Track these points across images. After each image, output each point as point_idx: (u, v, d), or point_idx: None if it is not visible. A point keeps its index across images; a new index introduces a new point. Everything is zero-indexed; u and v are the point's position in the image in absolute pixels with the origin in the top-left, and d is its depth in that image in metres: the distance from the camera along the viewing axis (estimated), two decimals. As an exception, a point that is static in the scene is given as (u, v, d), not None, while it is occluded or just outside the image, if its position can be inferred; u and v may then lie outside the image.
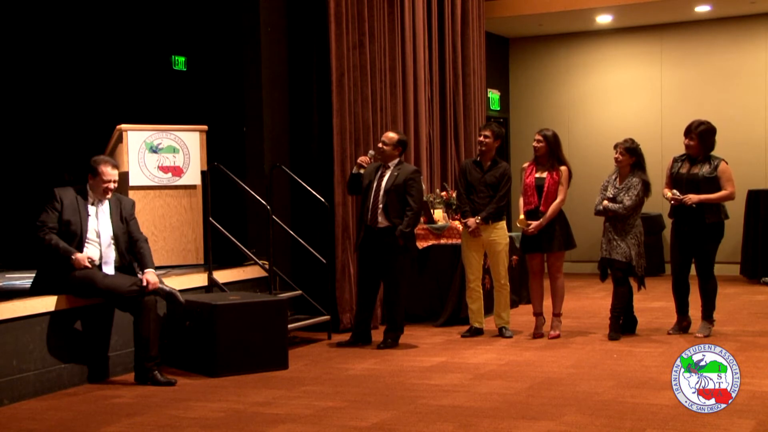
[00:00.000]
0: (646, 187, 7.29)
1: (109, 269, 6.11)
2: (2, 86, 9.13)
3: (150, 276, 6.08)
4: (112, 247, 6.16)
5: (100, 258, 6.10)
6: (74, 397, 5.76)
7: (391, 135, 7.42)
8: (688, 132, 7.31)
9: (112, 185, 6.16)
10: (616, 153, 7.39)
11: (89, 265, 6.00)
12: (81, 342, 6.13)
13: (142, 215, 7.03)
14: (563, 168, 7.46)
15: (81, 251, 6.03)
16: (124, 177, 7.28)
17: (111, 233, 6.16)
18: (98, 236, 6.11)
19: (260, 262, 7.61)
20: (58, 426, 5.09)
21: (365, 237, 7.31)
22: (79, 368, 6.09)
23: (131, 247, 6.25)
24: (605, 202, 7.30)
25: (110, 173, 6.15)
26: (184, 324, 6.55)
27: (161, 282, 6.19)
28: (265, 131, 7.98)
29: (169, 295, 6.19)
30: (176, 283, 6.83)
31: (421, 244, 8.45)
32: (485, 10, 10.96)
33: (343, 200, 8.09)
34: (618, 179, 7.38)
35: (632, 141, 7.40)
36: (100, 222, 6.14)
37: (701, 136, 7.25)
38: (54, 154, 9.35)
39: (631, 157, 7.35)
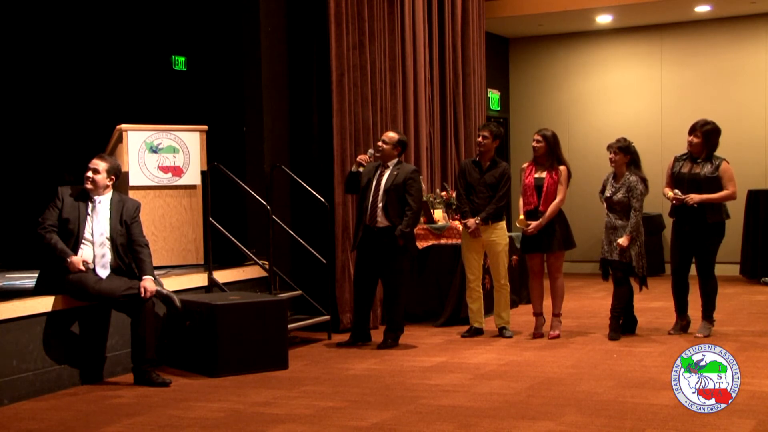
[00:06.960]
0: (645, 185, 7.30)
1: (103, 272, 6.05)
2: (3, 87, 9.13)
3: (148, 284, 6.00)
4: (107, 248, 6.09)
5: (93, 259, 6.05)
6: (74, 397, 5.76)
7: (391, 134, 7.43)
8: (693, 130, 7.31)
9: (90, 173, 6.12)
10: (610, 154, 7.39)
11: (83, 269, 5.95)
12: (81, 342, 6.13)
13: (141, 215, 7.00)
14: (562, 168, 7.46)
15: (77, 251, 6.00)
16: (124, 177, 7.28)
17: (107, 234, 6.10)
18: (93, 236, 6.07)
19: (260, 262, 7.61)
20: (58, 426, 5.09)
21: (364, 236, 7.30)
22: (79, 368, 6.09)
23: (131, 251, 6.18)
24: (620, 241, 7.20)
25: (93, 161, 6.14)
26: (184, 324, 6.55)
27: (160, 285, 6.17)
28: (265, 131, 7.98)
29: (166, 299, 6.17)
30: (176, 283, 6.84)
31: (421, 244, 8.46)
32: (485, 10, 10.96)
33: (343, 200, 8.09)
34: (615, 178, 7.39)
35: (624, 140, 7.40)
36: (96, 222, 6.09)
37: (706, 134, 7.24)
38: (54, 154, 9.35)
39: (625, 156, 7.35)
